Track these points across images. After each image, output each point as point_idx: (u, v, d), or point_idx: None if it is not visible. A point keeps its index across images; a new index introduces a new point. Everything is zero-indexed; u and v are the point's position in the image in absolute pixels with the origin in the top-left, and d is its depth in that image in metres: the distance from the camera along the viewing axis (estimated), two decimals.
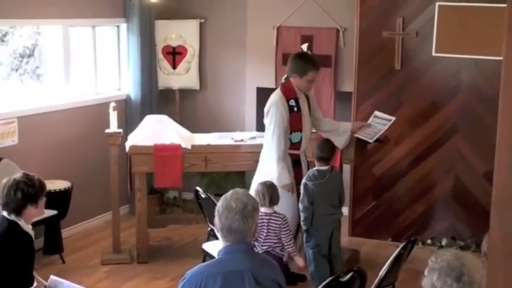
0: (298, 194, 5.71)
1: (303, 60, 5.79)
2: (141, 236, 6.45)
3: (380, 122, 6.15)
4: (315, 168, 5.59)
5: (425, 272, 2.68)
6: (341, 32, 7.39)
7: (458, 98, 6.67)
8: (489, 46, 6.23)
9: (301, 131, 5.80)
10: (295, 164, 5.78)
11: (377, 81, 6.90)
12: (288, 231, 4.99)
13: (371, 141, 6.13)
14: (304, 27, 7.50)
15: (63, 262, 6.41)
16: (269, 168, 5.65)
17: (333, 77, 7.45)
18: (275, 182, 5.54)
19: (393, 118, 6.14)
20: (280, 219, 4.98)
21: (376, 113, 6.24)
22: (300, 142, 5.82)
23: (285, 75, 6.00)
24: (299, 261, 5.22)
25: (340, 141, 5.98)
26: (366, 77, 6.94)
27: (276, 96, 5.77)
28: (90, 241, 7.02)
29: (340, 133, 6.04)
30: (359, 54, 6.94)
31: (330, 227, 5.52)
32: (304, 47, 7.41)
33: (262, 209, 4.89)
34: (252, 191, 5.27)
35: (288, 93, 5.78)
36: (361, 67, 6.94)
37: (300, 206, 5.54)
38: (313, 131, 6.07)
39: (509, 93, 1.91)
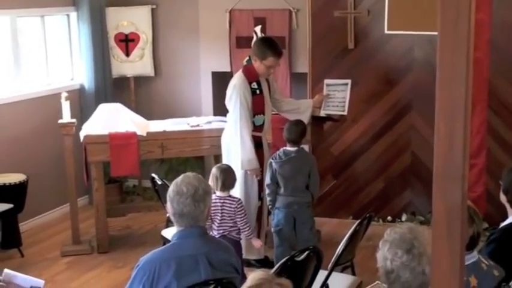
0: (261, 176, 5.75)
1: (266, 45, 5.79)
2: (100, 226, 6.41)
3: (337, 89, 6.19)
4: (283, 148, 5.60)
5: (380, 244, 2.70)
6: (293, 13, 7.37)
7: (411, 75, 6.72)
8: None
9: (263, 113, 5.83)
10: (257, 147, 5.80)
11: (331, 61, 6.91)
12: (242, 215, 4.96)
13: (344, 113, 6.15)
14: (256, 10, 7.47)
15: (22, 256, 6.33)
16: (238, 152, 5.67)
17: (287, 58, 7.42)
18: (244, 165, 5.58)
19: (348, 80, 6.18)
20: (234, 202, 4.95)
21: (327, 81, 6.28)
22: (262, 125, 5.85)
23: (247, 58, 5.99)
24: (256, 243, 5.24)
25: (303, 119, 5.99)
26: (320, 57, 6.94)
27: (238, 79, 5.77)
28: (49, 234, 6.94)
29: (302, 111, 6.08)
30: (312, 35, 6.93)
31: (288, 209, 5.51)
32: (258, 29, 7.41)
33: (217, 193, 4.88)
34: None
35: (250, 75, 5.78)
36: (315, 47, 6.94)
37: (265, 184, 5.60)
38: (274, 112, 6.09)
39: (446, 65, 1.91)
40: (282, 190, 5.53)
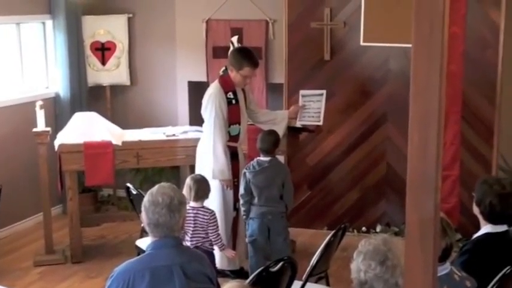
0: (236, 186, 5.74)
1: (241, 55, 5.83)
2: (74, 235, 6.35)
3: (313, 100, 6.22)
4: (257, 158, 5.61)
5: (354, 255, 2.71)
6: (270, 24, 7.39)
7: (387, 87, 6.77)
8: None
9: (239, 123, 5.84)
10: (232, 157, 5.81)
11: (307, 72, 6.94)
12: (215, 227, 4.93)
13: (320, 123, 6.20)
14: (233, 20, 7.48)
15: None
16: (210, 161, 5.68)
17: (263, 69, 7.45)
18: (215, 175, 5.60)
19: (323, 91, 6.22)
20: (207, 214, 4.92)
21: (302, 92, 6.32)
22: (238, 135, 5.86)
23: (223, 68, 6.00)
24: (229, 253, 5.22)
25: (279, 130, 6.00)
26: (297, 68, 6.97)
27: (214, 89, 5.78)
28: (21, 243, 6.87)
29: (277, 122, 6.10)
30: (289, 46, 6.96)
31: (262, 219, 5.50)
32: (234, 39, 7.43)
33: (191, 203, 4.86)
34: None
35: (226, 85, 5.80)
36: (291, 58, 6.97)
37: (239, 194, 5.61)
38: (250, 122, 6.10)
39: (419, 77, 1.93)
40: (255, 200, 5.53)
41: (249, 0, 7.38)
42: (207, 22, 7.57)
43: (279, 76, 7.26)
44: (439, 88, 1.92)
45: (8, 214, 6.79)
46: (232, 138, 5.83)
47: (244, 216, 5.65)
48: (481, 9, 6.32)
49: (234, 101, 5.81)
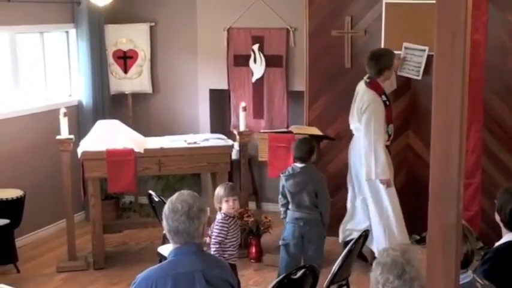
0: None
1: (389, 54, 6.16)
2: (96, 242, 6.41)
3: (415, 54, 6.48)
4: (294, 163, 5.69)
5: (373, 265, 2.71)
6: (291, 32, 7.43)
7: (408, 94, 6.75)
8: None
9: (392, 122, 6.14)
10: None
11: (328, 80, 6.95)
12: (217, 231, 4.85)
13: (419, 77, 6.47)
14: (254, 28, 7.53)
15: (18, 271, 6.32)
16: (370, 163, 5.94)
17: (284, 76, 7.49)
18: (378, 175, 5.94)
19: (426, 48, 6.41)
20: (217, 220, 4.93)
21: (406, 44, 6.51)
22: (391, 134, 6.17)
23: (367, 75, 6.15)
24: None
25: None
26: (317, 76, 6.98)
27: (371, 95, 6.02)
28: (45, 249, 6.94)
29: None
30: (309, 54, 6.98)
31: (295, 225, 5.55)
32: (256, 48, 7.47)
33: None
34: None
35: (379, 89, 6.07)
36: (312, 66, 6.99)
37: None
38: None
39: (442, 87, 1.94)
40: (290, 205, 5.62)
41: (269, 8, 7.43)
42: (228, 30, 7.62)
43: (300, 84, 7.29)
44: (461, 98, 1.93)
45: (31, 220, 6.86)
46: (389, 137, 6.16)
47: (282, 217, 5.76)
48: (501, 15, 6.30)
49: (387, 102, 6.08)
